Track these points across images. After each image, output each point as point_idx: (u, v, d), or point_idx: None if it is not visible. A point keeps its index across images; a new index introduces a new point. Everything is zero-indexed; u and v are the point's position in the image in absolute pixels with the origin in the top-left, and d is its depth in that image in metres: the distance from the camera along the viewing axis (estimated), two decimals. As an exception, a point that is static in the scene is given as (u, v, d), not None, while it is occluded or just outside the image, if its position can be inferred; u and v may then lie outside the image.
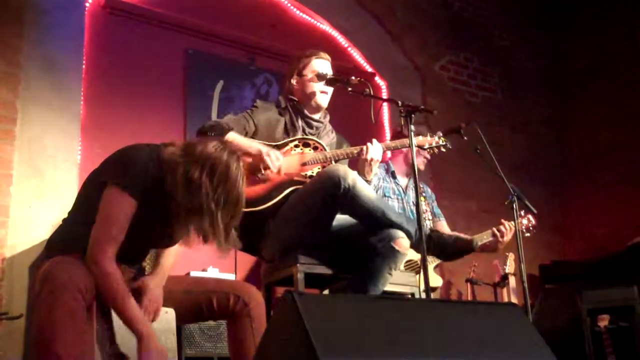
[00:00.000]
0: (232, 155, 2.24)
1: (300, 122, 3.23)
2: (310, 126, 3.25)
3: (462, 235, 4.00)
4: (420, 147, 3.38)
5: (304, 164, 3.10)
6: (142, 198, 2.22)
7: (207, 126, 3.05)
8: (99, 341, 2.16)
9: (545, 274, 5.75)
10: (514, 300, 4.81)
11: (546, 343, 2.07)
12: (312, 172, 3.08)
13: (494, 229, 3.99)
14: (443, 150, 3.41)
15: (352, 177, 2.83)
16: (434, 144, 3.37)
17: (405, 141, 3.17)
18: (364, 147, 3.12)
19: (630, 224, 5.97)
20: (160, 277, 2.42)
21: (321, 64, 3.28)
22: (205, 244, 2.25)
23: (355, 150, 3.16)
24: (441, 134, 3.48)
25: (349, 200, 2.84)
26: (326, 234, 3.01)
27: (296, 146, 3.14)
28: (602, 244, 6.04)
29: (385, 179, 4.18)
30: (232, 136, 3.00)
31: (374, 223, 2.92)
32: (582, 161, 6.91)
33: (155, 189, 2.21)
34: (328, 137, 3.31)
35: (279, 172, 2.99)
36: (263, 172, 2.99)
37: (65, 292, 2.05)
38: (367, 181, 3.09)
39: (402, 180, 4.26)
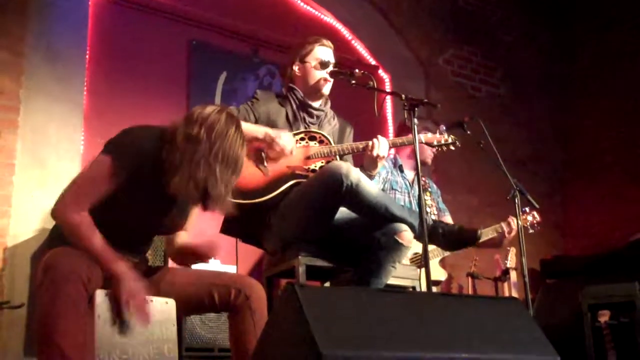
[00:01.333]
0: (230, 118, 2.28)
1: (301, 113, 3.22)
2: (312, 115, 3.23)
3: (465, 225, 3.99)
4: (429, 144, 3.37)
5: (308, 158, 3.08)
6: (135, 174, 2.22)
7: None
8: (105, 329, 2.17)
9: (546, 268, 5.74)
10: (514, 294, 4.81)
11: (547, 338, 2.07)
12: (316, 166, 3.06)
13: (503, 225, 4.00)
14: (452, 148, 3.39)
15: (354, 174, 2.81)
16: (442, 142, 3.35)
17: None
18: (370, 143, 3.10)
19: (631, 220, 5.96)
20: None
21: (324, 52, 3.26)
22: (205, 210, 2.29)
23: (361, 145, 3.13)
24: (444, 128, 3.47)
25: (352, 197, 2.83)
26: (328, 228, 3.00)
27: (302, 139, 3.13)
28: (603, 239, 6.04)
29: (393, 172, 4.18)
30: None
31: (377, 218, 2.91)
32: (584, 157, 6.90)
33: (155, 167, 2.22)
34: (329, 125, 3.28)
35: (292, 153, 2.99)
36: (266, 160, 2.98)
37: (67, 282, 2.05)
38: (371, 176, 3.09)
39: (409, 174, 4.26)
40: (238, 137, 2.26)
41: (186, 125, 2.23)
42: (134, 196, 2.24)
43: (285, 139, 2.98)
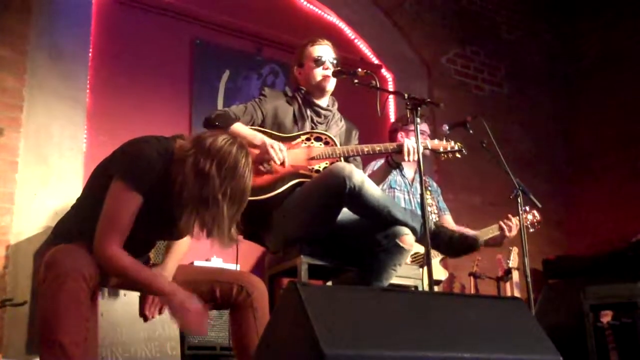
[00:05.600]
0: (241, 150, 2.25)
1: (308, 112, 3.22)
2: (319, 115, 3.23)
3: (467, 231, 3.97)
4: (435, 151, 3.34)
5: (311, 158, 3.08)
6: (148, 193, 2.22)
7: (214, 115, 3.04)
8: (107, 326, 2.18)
9: (548, 268, 5.73)
10: (517, 294, 4.81)
11: (549, 338, 2.07)
12: (319, 167, 3.05)
13: (501, 223, 3.99)
14: (458, 155, 3.36)
15: (358, 176, 2.81)
16: (449, 149, 3.33)
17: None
18: (406, 149, 3.08)
19: (634, 220, 5.95)
20: (169, 269, 2.43)
21: (318, 49, 3.26)
22: (208, 238, 2.25)
23: (366, 148, 3.13)
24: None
25: (354, 199, 2.82)
26: (330, 229, 3.00)
27: (307, 139, 3.13)
28: (606, 239, 6.02)
29: (392, 171, 4.15)
30: (237, 127, 3.00)
31: (379, 221, 2.91)
32: (587, 157, 6.89)
33: (162, 183, 2.21)
34: (337, 126, 3.29)
35: (283, 164, 2.97)
36: (267, 164, 2.98)
37: (69, 279, 2.06)
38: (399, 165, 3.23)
39: (409, 173, 4.25)
40: (247, 170, 2.24)
41: (196, 155, 2.20)
42: (142, 210, 2.24)
43: (277, 150, 2.95)
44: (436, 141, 3.37)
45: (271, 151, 2.94)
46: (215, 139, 2.24)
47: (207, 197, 2.16)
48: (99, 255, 2.17)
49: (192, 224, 2.19)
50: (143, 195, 2.21)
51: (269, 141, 2.97)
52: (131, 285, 2.23)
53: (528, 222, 4.09)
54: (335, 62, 3.25)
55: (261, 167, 2.97)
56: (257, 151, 2.97)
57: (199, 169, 2.17)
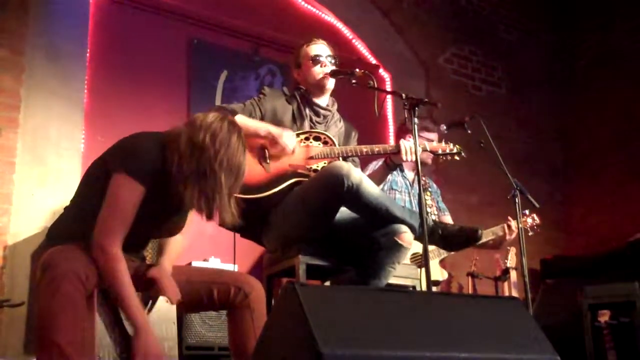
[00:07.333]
0: (232, 125, 2.29)
1: (307, 111, 3.22)
2: (318, 114, 3.23)
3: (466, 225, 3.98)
4: (433, 153, 3.34)
5: (310, 158, 3.08)
6: (148, 184, 2.22)
7: (213, 110, 3.04)
8: (105, 327, 2.17)
9: (546, 268, 5.73)
10: (514, 294, 4.81)
11: (546, 337, 2.07)
12: (317, 167, 3.05)
13: (504, 226, 4.00)
14: (457, 158, 3.35)
15: (356, 175, 2.80)
16: (447, 151, 3.31)
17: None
18: (403, 148, 3.08)
19: (632, 220, 5.96)
20: (165, 269, 2.42)
21: (314, 48, 3.26)
22: (209, 218, 2.26)
23: (365, 148, 3.13)
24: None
25: (352, 198, 2.82)
26: (328, 228, 3.00)
27: (306, 139, 3.13)
28: (603, 239, 6.03)
29: (393, 172, 4.15)
30: (240, 118, 2.99)
31: (378, 219, 2.90)
32: (585, 157, 6.90)
33: (159, 175, 2.22)
34: (336, 127, 3.29)
35: (293, 152, 2.99)
36: (268, 157, 2.98)
37: (66, 280, 2.05)
38: (395, 166, 3.22)
39: (409, 174, 4.26)
40: (240, 145, 2.27)
41: (189, 132, 2.23)
42: (143, 202, 2.24)
43: (287, 138, 2.98)
44: (434, 143, 3.37)
45: (281, 141, 2.95)
46: (206, 115, 2.29)
47: (204, 169, 2.19)
48: (96, 247, 2.16)
49: (196, 198, 2.20)
50: (145, 186, 2.21)
51: (276, 131, 2.98)
52: (112, 291, 2.21)
53: (528, 226, 4.11)
54: (332, 60, 3.25)
55: (262, 163, 2.98)
56: (262, 141, 2.99)
57: (193, 142, 2.21)
